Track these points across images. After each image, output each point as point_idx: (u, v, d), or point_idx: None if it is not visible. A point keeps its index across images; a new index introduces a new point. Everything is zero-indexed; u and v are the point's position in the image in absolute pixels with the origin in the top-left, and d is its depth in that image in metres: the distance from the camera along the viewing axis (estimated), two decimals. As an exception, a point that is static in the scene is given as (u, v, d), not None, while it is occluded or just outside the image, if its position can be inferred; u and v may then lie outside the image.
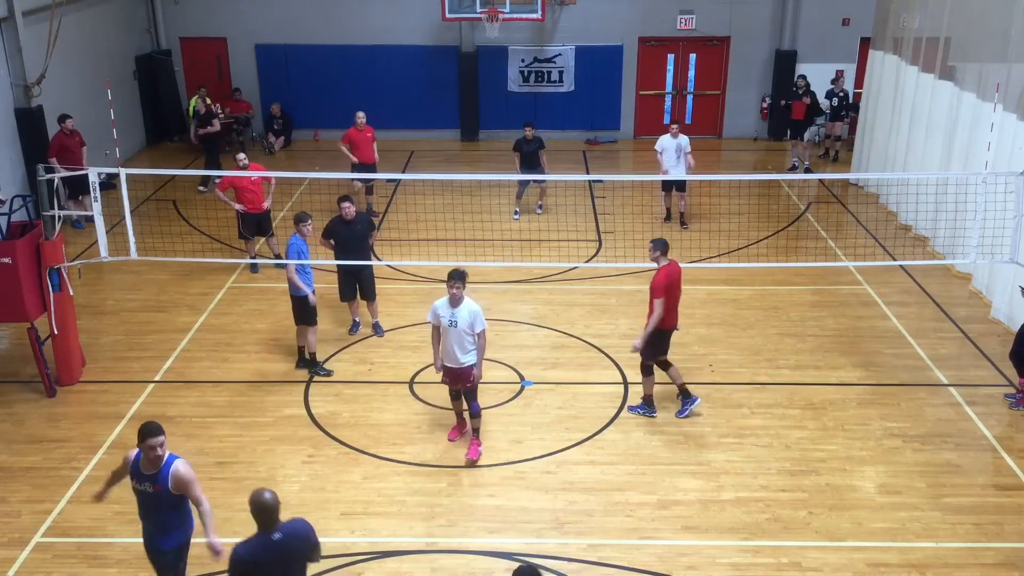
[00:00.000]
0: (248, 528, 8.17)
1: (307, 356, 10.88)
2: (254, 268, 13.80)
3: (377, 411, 10.07)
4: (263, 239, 13.95)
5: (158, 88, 20.63)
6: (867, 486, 8.77)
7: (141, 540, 6.65)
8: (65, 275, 10.24)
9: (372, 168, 15.35)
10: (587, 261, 14.22)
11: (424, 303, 12.45)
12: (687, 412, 9.88)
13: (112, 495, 6.93)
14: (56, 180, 10.05)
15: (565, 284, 13.34)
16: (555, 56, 21.17)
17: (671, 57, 21.36)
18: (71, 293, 10.43)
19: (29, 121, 15.52)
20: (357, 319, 11.88)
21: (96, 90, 16.99)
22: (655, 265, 9.54)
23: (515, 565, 7.69)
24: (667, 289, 9.33)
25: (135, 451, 6.39)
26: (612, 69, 21.20)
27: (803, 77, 18.96)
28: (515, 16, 19.43)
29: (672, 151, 15.10)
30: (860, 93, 18.68)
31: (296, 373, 10.88)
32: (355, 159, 15.37)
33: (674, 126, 15.35)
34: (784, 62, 20.78)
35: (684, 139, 15.17)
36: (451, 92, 21.30)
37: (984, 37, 13.21)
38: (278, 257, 13.42)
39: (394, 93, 21.04)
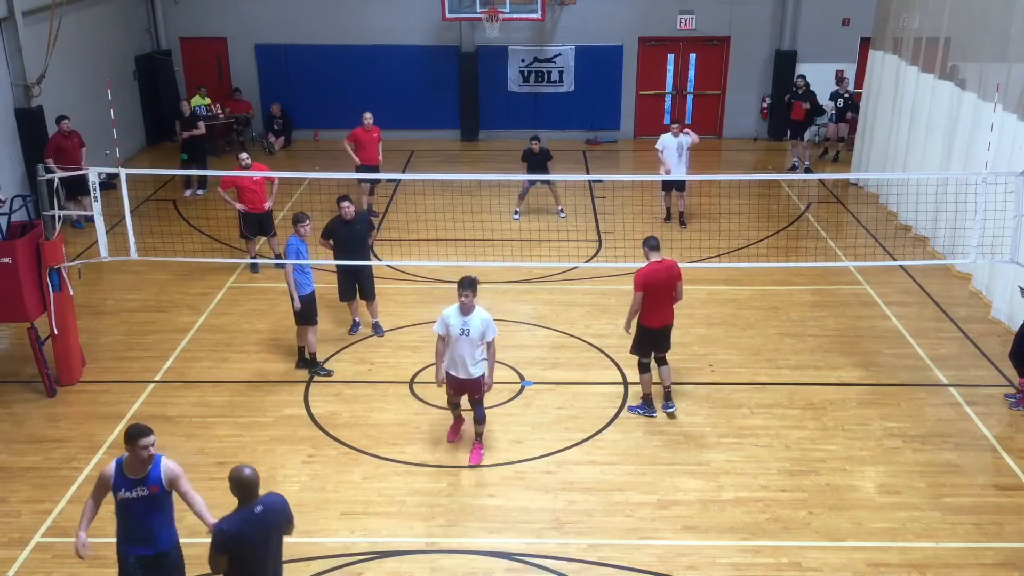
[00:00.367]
0: (248, 528, 8.16)
1: (307, 356, 10.88)
2: (254, 268, 13.80)
3: (377, 411, 10.07)
4: (264, 239, 13.95)
5: (158, 88, 20.63)
6: (867, 486, 8.77)
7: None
8: (65, 275, 10.24)
9: (375, 170, 15.34)
10: (587, 261, 14.23)
11: (424, 303, 12.50)
12: (640, 412, 9.92)
13: (111, 496, 6.90)
14: (55, 180, 10.04)
15: (565, 284, 13.34)
16: (555, 56, 21.18)
17: (671, 57, 21.37)
18: (71, 293, 10.43)
19: (29, 121, 15.52)
20: (357, 319, 11.87)
21: (96, 90, 17.00)
22: None
23: (515, 565, 7.75)
24: (644, 285, 9.36)
25: (111, 464, 6.23)
26: (612, 69, 21.21)
27: (803, 77, 18.97)
28: (515, 16, 19.44)
29: (673, 150, 15.09)
30: (860, 93, 18.68)
31: (296, 373, 10.88)
32: (358, 160, 15.35)
33: (675, 125, 15.35)
34: (784, 62, 20.78)
35: (685, 137, 15.16)
36: (451, 92, 21.31)
37: (984, 37, 13.21)
38: (279, 257, 13.42)
39: (394, 93, 21.04)
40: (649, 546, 7.97)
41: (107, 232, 10.62)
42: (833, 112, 19.41)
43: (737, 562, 7.78)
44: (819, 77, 19.58)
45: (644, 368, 9.83)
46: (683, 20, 20.87)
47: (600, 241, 15.12)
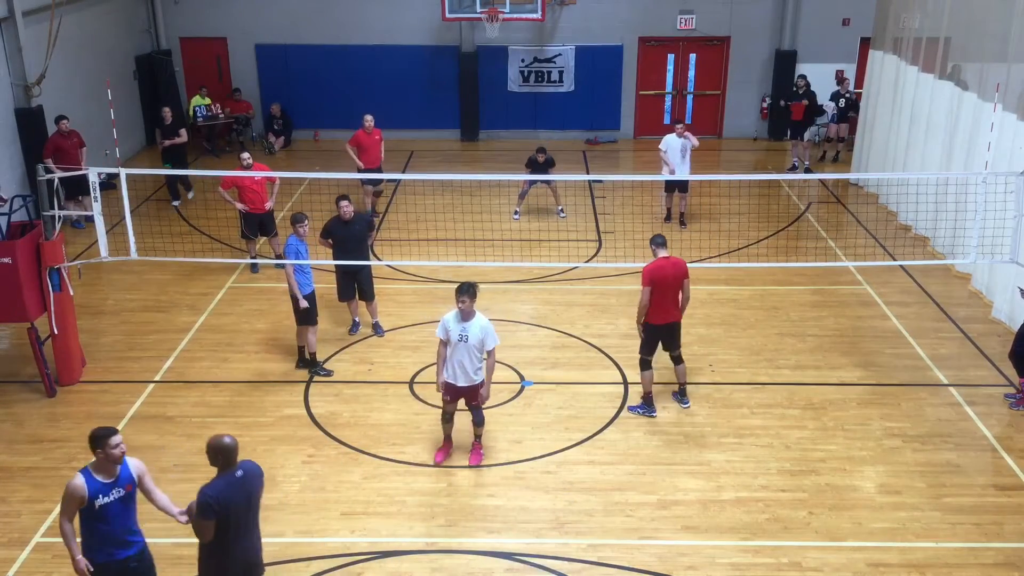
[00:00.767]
0: (248, 528, 8.15)
1: (307, 356, 10.88)
2: (254, 268, 13.80)
3: (377, 411, 10.07)
4: (265, 239, 13.95)
5: (158, 88, 20.63)
6: (867, 486, 8.77)
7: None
8: (65, 275, 10.23)
9: (377, 171, 15.32)
10: (587, 261, 14.22)
11: (424, 303, 12.50)
12: (640, 411, 9.96)
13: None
14: (55, 180, 10.04)
15: (565, 284, 13.34)
16: (555, 56, 21.17)
17: (671, 57, 21.37)
18: (71, 293, 10.43)
19: (29, 121, 15.52)
20: (357, 319, 11.87)
21: (96, 90, 17.00)
22: None
23: (515, 565, 7.75)
24: (651, 280, 9.40)
25: (77, 478, 6.11)
26: (612, 69, 21.21)
27: (803, 77, 18.97)
28: (515, 16, 19.43)
29: (677, 150, 15.08)
30: (860, 93, 18.68)
31: (296, 373, 10.88)
32: (361, 164, 15.33)
33: (679, 125, 15.31)
34: (784, 62, 20.78)
35: (690, 137, 15.14)
36: (451, 92, 21.31)
37: (984, 37, 13.21)
38: (279, 257, 13.41)
39: (394, 93, 21.04)
40: (649, 546, 7.97)
41: (107, 232, 10.62)
42: (834, 112, 19.41)
43: (737, 562, 7.78)
44: (819, 77, 19.57)
45: (646, 366, 9.84)
46: (683, 20, 20.87)
47: (600, 241, 15.12)
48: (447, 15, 19.52)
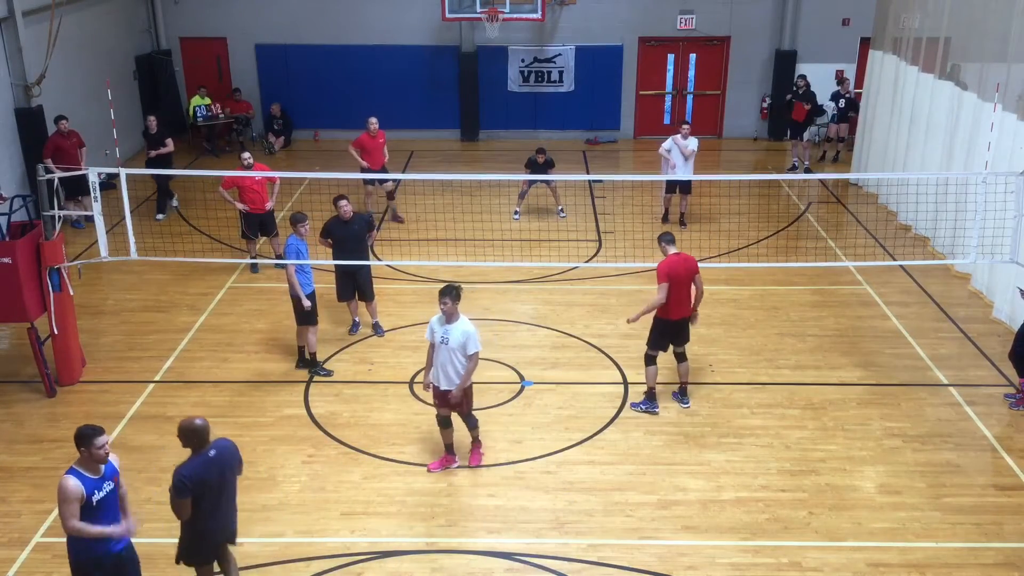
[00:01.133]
0: (247, 528, 8.18)
1: (307, 356, 10.87)
2: (254, 268, 13.80)
3: (377, 411, 10.07)
4: (265, 239, 13.95)
5: (158, 88, 20.64)
6: (867, 486, 8.77)
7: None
8: (65, 275, 10.23)
9: (381, 172, 15.30)
10: (587, 261, 14.22)
11: (424, 303, 12.50)
12: (642, 408, 9.99)
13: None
14: (55, 180, 10.04)
15: (565, 284, 13.34)
16: (555, 56, 21.17)
17: (671, 57, 21.37)
18: (71, 293, 10.43)
19: (29, 121, 15.52)
20: (357, 319, 11.87)
21: (96, 90, 17.00)
22: (654, 264, 9.68)
23: (515, 565, 7.75)
24: (668, 276, 9.42)
25: (70, 478, 6.18)
26: (612, 69, 21.20)
27: (803, 77, 18.95)
28: (515, 16, 19.42)
29: (679, 153, 15.07)
30: (860, 93, 18.68)
31: (296, 373, 10.88)
32: (365, 163, 15.31)
33: (685, 127, 15.25)
34: (784, 62, 20.78)
35: (694, 141, 15.11)
36: (451, 92, 21.31)
37: (984, 37, 13.21)
38: (279, 257, 13.41)
39: (394, 93, 21.04)
40: (649, 546, 7.97)
41: (107, 232, 10.63)
42: (835, 112, 19.40)
43: (737, 562, 7.78)
44: (819, 77, 19.57)
45: (651, 361, 9.87)
46: (683, 20, 20.87)
47: (600, 241, 15.12)
48: (447, 15, 19.51)
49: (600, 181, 17.75)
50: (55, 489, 8.58)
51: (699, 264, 9.77)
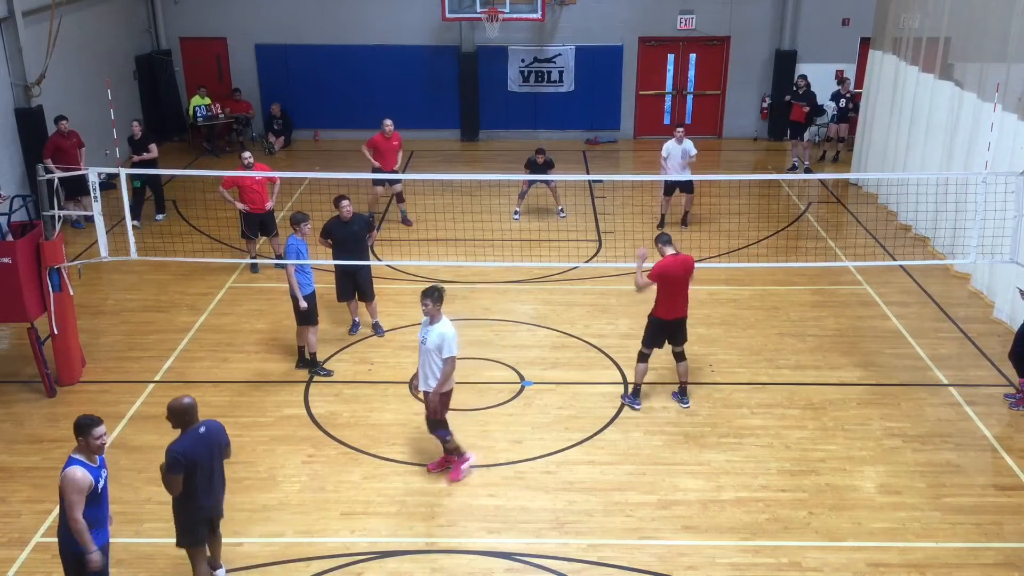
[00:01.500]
0: (247, 528, 8.19)
1: (307, 356, 10.87)
2: (254, 268, 13.80)
3: (377, 411, 10.07)
4: (265, 239, 13.95)
5: (158, 88, 20.64)
6: (867, 486, 8.77)
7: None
8: (65, 275, 10.23)
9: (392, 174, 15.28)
10: (587, 261, 14.22)
11: (424, 303, 12.48)
12: (626, 401, 10.10)
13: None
14: (55, 181, 10.03)
15: (565, 284, 13.34)
16: (555, 56, 21.17)
17: (671, 57, 21.37)
18: (71, 293, 10.43)
19: (29, 121, 15.52)
20: (357, 319, 11.87)
21: (96, 90, 17.00)
22: (653, 265, 9.71)
23: (515, 565, 7.75)
24: (659, 276, 9.54)
25: (75, 467, 6.20)
26: (612, 69, 21.20)
27: (803, 77, 18.96)
28: (515, 16, 19.43)
29: (677, 157, 15.05)
30: (860, 93, 18.68)
31: (296, 373, 10.88)
32: (377, 164, 15.22)
33: (679, 130, 15.18)
34: (784, 62, 20.78)
35: (688, 143, 15.10)
36: (451, 92, 21.31)
37: (984, 37, 13.21)
38: (279, 257, 13.41)
39: (394, 93, 21.04)
40: (649, 546, 7.97)
41: (107, 232, 10.63)
42: (834, 112, 19.41)
43: (737, 562, 7.78)
44: (819, 77, 19.57)
45: (642, 359, 9.95)
46: (683, 20, 20.87)
47: (600, 241, 15.11)
48: (447, 15, 19.52)
49: (600, 181, 17.75)
50: (55, 489, 8.58)
51: (699, 264, 9.81)
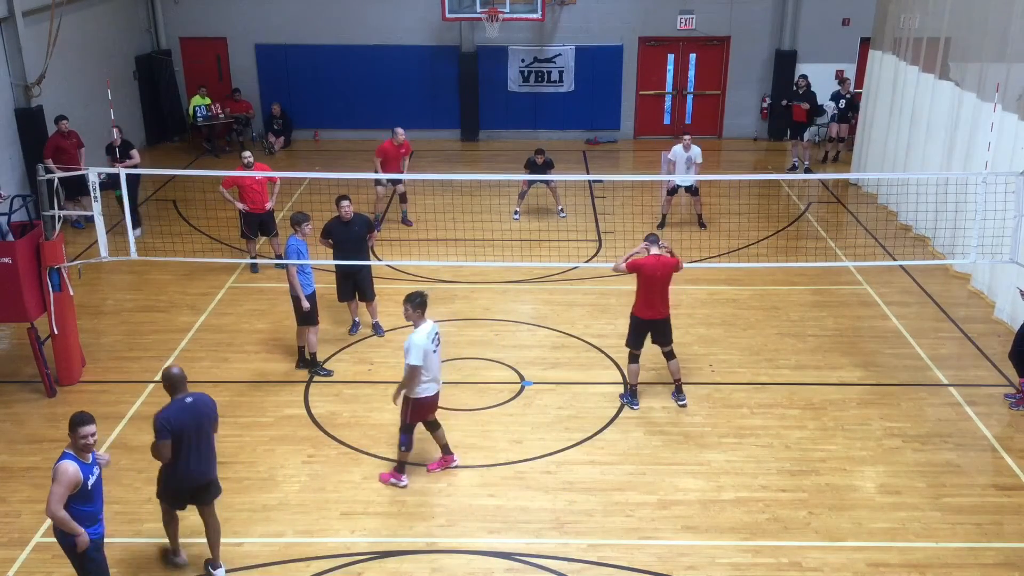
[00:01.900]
0: (247, 528, 8.19)
1: (307, 356, 10.87)
2: (254, 268, 13.80)
3: (377, 411, 10.07)
4: (265, 239, 13.94)
5: (158, 88, 20.64)
6: (867, 486, 8.77)
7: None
8: (65, 275, 10.23)
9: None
10: (587, 261, 14.22)
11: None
12: (623, 400, 10.16)
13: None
14: (55, 181, 10.03)
15: (565, 284, 13.34)
16: (555, 56, 21.17)
17: (671, 57, 21.36)
18: (71, 293, 10.43)
19: (29, 121, 15.51)
20: (357, 319, 11.87)
21: (96, 90, 17.00)
22: None
23: (515, 565, 7.75)
24: (635, 268, 9.70)
25: (67, 462, 6.29)
26: (612, 69, 21.19)
27: (804, 77, 18.96)
28: (515, 16, 19.43)
29: (683, 163, 15.08)
30: (860, 93, 18.68)
31: (296, 373, 10.88)
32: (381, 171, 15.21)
33: (686, 137, 15.25)
34: (784, 62, 20.77)
35: (696, 150, 15.12)
36: (451, 92, 21.30)
37: (984, 37, 13.20)
38: (279, 257, 13.41)
39: (394, 93, 21.04)
40: (649, 546, 7.97)
41: (107, 232, 10.63)
42: (835, 112, 19.40)
43: (737, 562, 7.78)
44: (819, 77, 19.56)
45: (632, 359, 10.03)
46: (683, 20, 20.86)
47: (600, 241, 15.11)
48: (447, 15, 19.52)
49: (600, 181, 17.75)
50: (55, 488, 8.66)
51: (699, 264, 9.83)
